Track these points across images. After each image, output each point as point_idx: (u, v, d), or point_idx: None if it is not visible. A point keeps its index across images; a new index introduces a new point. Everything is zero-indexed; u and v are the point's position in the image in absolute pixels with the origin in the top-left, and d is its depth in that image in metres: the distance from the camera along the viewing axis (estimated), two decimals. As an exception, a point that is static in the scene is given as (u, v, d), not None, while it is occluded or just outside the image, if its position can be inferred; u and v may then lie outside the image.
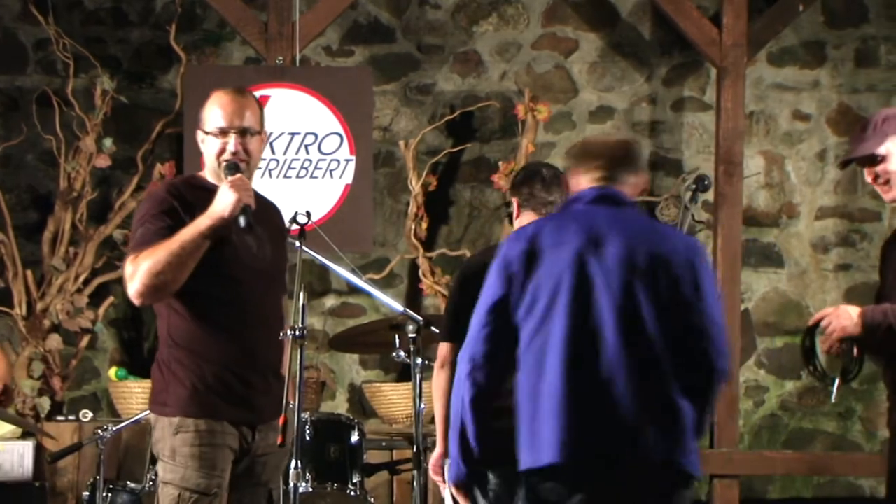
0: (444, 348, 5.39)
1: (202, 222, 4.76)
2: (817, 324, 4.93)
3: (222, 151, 4.91)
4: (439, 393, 5.42)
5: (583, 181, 4.64)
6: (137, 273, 4.77)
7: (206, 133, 4.96)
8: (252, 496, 4.96)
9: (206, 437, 4.81)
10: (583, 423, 4.39)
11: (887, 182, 5.02)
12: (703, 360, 4.48)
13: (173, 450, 4.83)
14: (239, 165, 4.89)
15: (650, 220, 4.79)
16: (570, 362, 4.42)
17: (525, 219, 5.37)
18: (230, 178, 4.82)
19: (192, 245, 4.75)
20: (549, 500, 4.44)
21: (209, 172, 5.01)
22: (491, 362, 4.49)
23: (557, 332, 4.45)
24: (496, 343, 4.50)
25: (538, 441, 4.42)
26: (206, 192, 4.89)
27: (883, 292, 5.06)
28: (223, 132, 4.92)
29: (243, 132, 4.92)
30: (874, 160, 5.02)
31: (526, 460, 4.44)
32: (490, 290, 4.53)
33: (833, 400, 5.08)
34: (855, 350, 4.89)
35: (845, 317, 4.88)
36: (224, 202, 4.76)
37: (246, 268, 4.89)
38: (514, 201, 5.53)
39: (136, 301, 4.85)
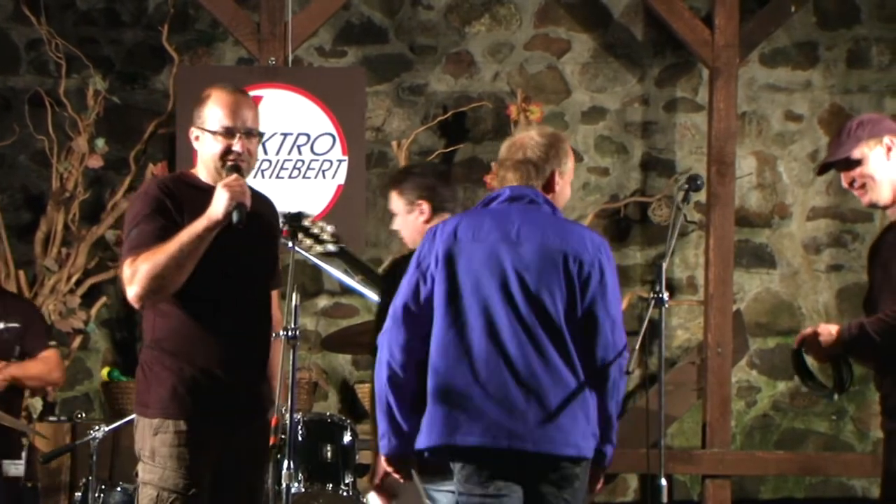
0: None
1: (199, 224, 4.74)
2: (801, 344, 5.01)
3: (226, 151, 4.88)
4: None
5: (508, 179, 5.04)
6: (137, 276, 4.75)
7: (207, 131, 4.91)
8: (234, 493, 4.95)
9: (186, 437, 4.81)
10: (472, 411, 4.81)
11: (863, 186, 5.07)
12: (598, 352, 4.85)
13: (153, 450, 4.84)
14: (241, 167, 4.87)
15: (561, 217, 4.99)
16: (485, 352, 4.83)
17: (438, 220, 5.49)
18: (226, 179, 4.80)
19: (191, 247, 4.73)
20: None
21: (203, 170, 4.97)
22: (404, 349, 4.89)
23: (474, 323, 4.84)
24: (410, 331, 4.90)
25: (433, 422, 4.87)
26: (198, 191, 4.87)
27: (871, 294, 5.08)
28: (229, 132, 4.88)
29: (249, 133, 4.91)
30: (850, 164, 5.07)
31: (420, 440, 4.89)
32: (407, 282, 4.94)
33: (835, 399, 5.16)
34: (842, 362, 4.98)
35: (825, 335, 4.95)
36: (219, 204, 4.74)
37: (231, 267, 4.87)
38: (427, 205, 5.68)
39: (135, 303, 4.83)
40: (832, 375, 5.02)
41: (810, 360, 5.04)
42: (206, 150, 4.93)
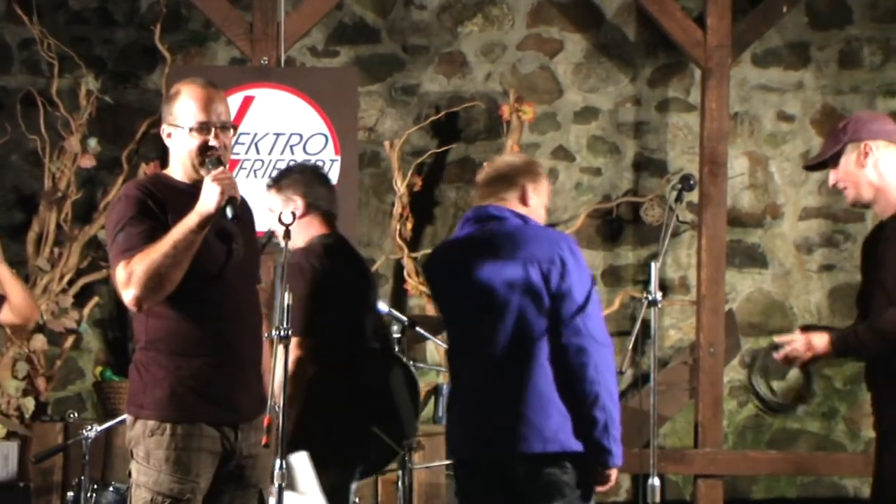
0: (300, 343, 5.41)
1: (191, 219, 4.67)
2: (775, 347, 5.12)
3: (203, 146, 4.81)
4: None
5: (475, 200, 5.35)
6: (133, 278, 4.68)
7: (181, 127, 4.84)
8: (243, 498, 4.93)
9: (182, 441, 4.76)
10: (461, 424, 5.20)
11: (845, 188, 5.12)
12: (571, 340, 5.01)
13: (147, 452, 4.78)
14: (222, 160, 4.80)
15: (527, 227, 5.12)
16: (463, 370, 5.23)
17: (312, 217, 5.85)
18: (214, 172, 4.74)
19: (185, 244, 4.66)
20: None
21: (178, 168, 4.89)
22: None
23: (456, 341, 5.28)
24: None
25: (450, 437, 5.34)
26: (177, 191, 4.83)
27: (864, 291, 5.10)
28: (204, 127, 4.81)
29: (223, 127, 4.85)
30: (832, 165, 5.13)
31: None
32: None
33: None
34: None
35: (819, 343, 5.05)
36: (210, 197, 4.67)
37: (222, 265, 4.83)
38: (301, 201, 5.83)
39: (133, 307, 4.74)
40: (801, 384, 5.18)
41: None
42: (181, 146, 4.86)
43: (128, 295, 4.72)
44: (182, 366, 4.79)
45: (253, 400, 4.90)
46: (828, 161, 5.17)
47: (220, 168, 4.76)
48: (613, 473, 5.06)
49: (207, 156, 4.81)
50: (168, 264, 4.66)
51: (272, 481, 4.94)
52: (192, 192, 4.76)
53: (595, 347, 4.99)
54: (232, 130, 4.91)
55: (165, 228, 4.73)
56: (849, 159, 5.09)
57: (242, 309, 4.91)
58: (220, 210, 4.68)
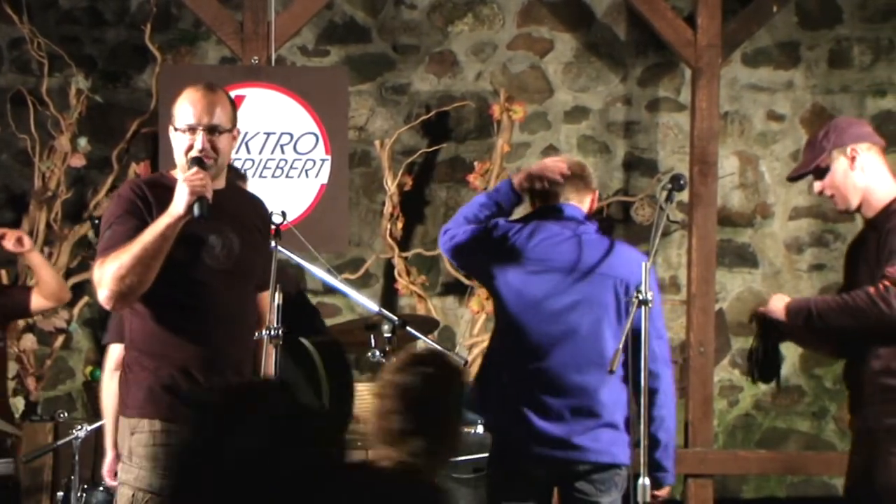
0: (116, 350, 5.36)
1: (162, 221, 4.73)
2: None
3: (190, 148, 4.87)
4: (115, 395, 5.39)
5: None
6: (104, 278, 4.75)
7: (175, 129, 4.92)
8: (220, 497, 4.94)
9: (162, 437, 4.80)
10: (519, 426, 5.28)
11: (832, 196, 5.14)
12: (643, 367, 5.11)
13: (130, 450, 4.85)
14: (204, 161, 4.84)
15: (607, 239, 5.42)
16: (523, 366, 5.33)
17: None
18: (187, 173, 4.79)
19: (154, 245, 4.71)
20: None
21: (177, 163, 4.97)
22: None
23: (516, 334, 5.37)
24: None
25: None
26: (170, 191, 4.85)
27: (845, 289, 5.14)
28: (192, 129, 4.87)
29: (212, 130, 4.88)
30: (818, 174, 5.14)
31: None
32: None
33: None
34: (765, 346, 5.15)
35: (776, 301, 5.13)
36: (180, 198, 4.73)
37: (207, 269, 4.85)
38: None
39: (106, 306, 4.83)
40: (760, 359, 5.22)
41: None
42: (175, 147, 4.94)
43: (100, 294, 4.80)
44: (161, 367, 4.84)
45: None
46: (812, 171, 5.18)
47: (194, 169, 4.80)
48: (666, 491, 5.29)
49: (190, 157, 4.86)
50: (137, 266, 4.71)
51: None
52: None
53: (666, 373, 5.26)
54: (228, 133, 4.94)
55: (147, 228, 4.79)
56: (837, 166, 5.10)
57: (228, 313, 4.91)
58: (190, 210, 4.71)
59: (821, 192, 5.18)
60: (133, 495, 4.81)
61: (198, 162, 4.83)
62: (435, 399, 4.05)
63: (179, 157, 4.91)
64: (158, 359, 4.84)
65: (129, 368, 4.91)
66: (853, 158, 5.08)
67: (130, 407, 4.87)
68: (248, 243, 5.01)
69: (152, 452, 4.80)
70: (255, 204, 5.15)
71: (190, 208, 4.71)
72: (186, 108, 4.89)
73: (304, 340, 5.86)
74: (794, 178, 5.42)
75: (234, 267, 4.94)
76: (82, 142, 8.48)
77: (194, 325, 4.85)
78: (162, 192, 4.86)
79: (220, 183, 4.97)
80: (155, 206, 4.83)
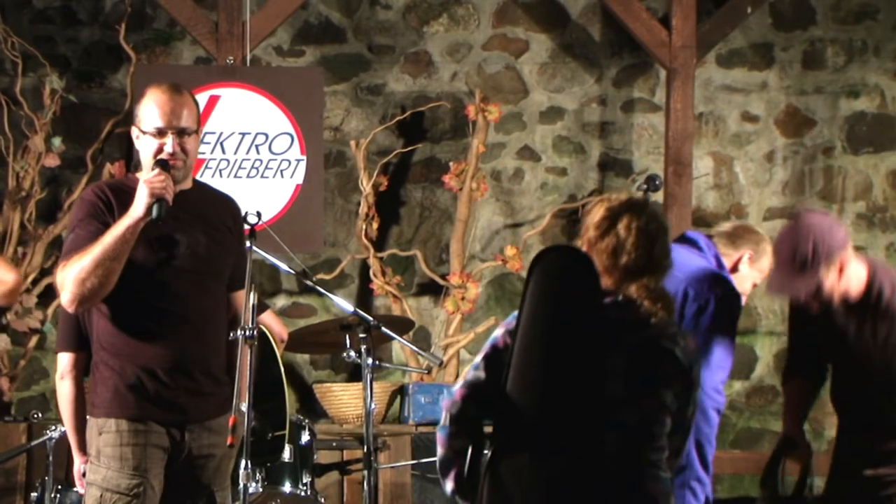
0: (65, 359, 5.34)
1: (122, 224, 4.74)
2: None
3: (160, 151, 4.87)
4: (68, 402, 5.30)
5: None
6: (66, 281, 4.77)
7: (143, 132, 4.91)
8: (194, 498, 4.93)
9: (129, 437, 4.81)
10: None
11: (831, 297, 5.20)
12: None
13: (98, 450, 4.86)
14: (168, 163, 4.84)
15: None
16: None
17: None
18: (148, 175, 4.79)
19: (114, 247, 4.72)
20: None
21: (143, 164, 4.95)
22: None
23: None
24: None
25: None
26: (134, 194, 4.84)
27: (808, 356, 5.31)
28: (160, 132, 4.87)
29: (181, 132, 4.88)
30: (818, 294, 5.19)
31: None
32: None
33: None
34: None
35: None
36: (140, 200, 4.74)
37: (171, 269, 4.85)
38: None
39: (70, 309, 4.83)
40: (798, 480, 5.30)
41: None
42: (143, 149, 4.93)
43: (63, 297, 4.82)
44: (126, 367, 4.85)
45: (205, 402, 4.91)
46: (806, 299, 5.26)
47: (156, 171, 4.80)
48: None
49: (158, 159, 4.86)
50: (97, 269, 4.72)
51: (237, 482, 4.94)
52: None
53: None
54: (195, 134, 4.94)
55: None
56: (829, 280, 5.17)
57: (195, 313, 4.90)
58: (149, 212, 4.72)
59: (818, 305, 5.25)
60: (101, 496, 4.82)
61: (161, 164, 4.83)
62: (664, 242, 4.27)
63: (147, 160, 4.91)
64: (124, 359, 4.85)
65: (97, 368, 4.92)
66: (841, 268, 5.14)
67: (97, 406, 4.88)
68: (217, 243, 5.00)
69: (119, 452, 4.81)
70: (226, 202, 5.14)
71: (149, 209, 4.72)
72: (153, 111, 4.88)
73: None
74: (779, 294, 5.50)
75: (200, 267, 4.93)
76: (56, 142, 8.45)
77: (159, 325, 4.86)
78: (126, 196, 4.86)
79: (188, 183, 4.98)
80: (118, 210, 4.84)
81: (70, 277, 4.76)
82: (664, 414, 4.15)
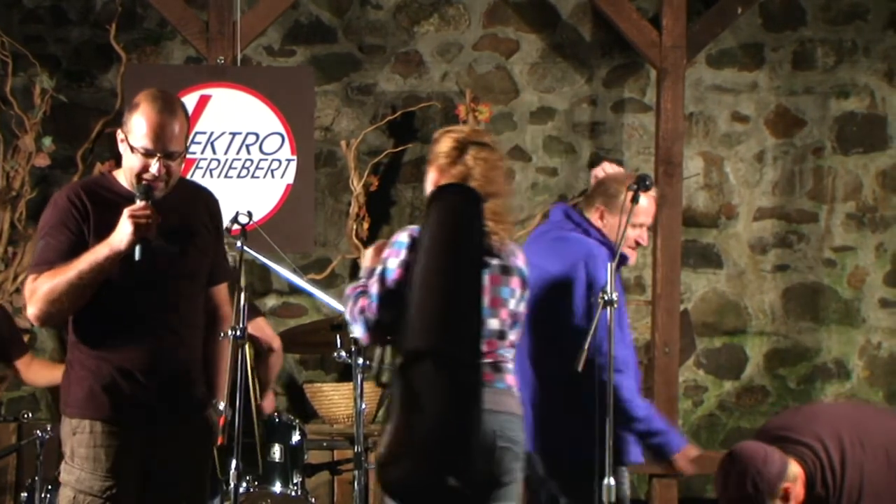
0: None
1: (101, 252, 4.68)
2: None
3: (144, 170, 4.78)
4: None
5: None
6: (35, 297, 4.73)
7: (129, 144, 4.80)
8: (167, 495, 4.91)
9: (102, 438, 4.79)
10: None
11: None
12: None
13: (72, 451, 4.83)
14: (152, 189, 4.77)
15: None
16: None
17: None
18: (133, 206, 4.70)
19: (90, 276, 4.68)
20: None
21: (125, 174, 4.87)
22: None
23: None
24: None
25: None
26: (112, 195, 4.82)
27: None
28: (148, 154, 4.77)
29: (169, 156, 4.79)
30: None
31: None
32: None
33: None
34: None
35: None
36: (122, 235, 4.66)
37: (149, 273, 4.79)
38: None
39: (34, 323, 4.82)
40: None
41: None
42: (126, 160, 4.84)
43: (29, 310, 4.77)
44: (102, 367, 4.82)
45: (185, 401, 4.89)
46: None
47: (141, 204, 4.71)
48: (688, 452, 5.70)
49: (144, 181, 4.79)
50: (70, 292, 4.69)
51: (228, 482, 4.94)
52: (130, 198, 4.76)
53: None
54: (182, 157, 4.87)
55: (84, 241, 4.73)
56: None
57: (172, 316, 4.87)
58: (131, 248, 4.66)
59: None
60: (74, 497, 4.80)
61: (146, 191, 4.75)
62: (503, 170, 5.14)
63: (129, 172, 4.82)
64: (99, 359, 4.82)
65: (71, 366, 4.88)
66: (786, 497, 4.86)
67: (71, 406, 4.86)
68: (193, 245, 4.95)
69: (93, 454, 4.78)
70: (204, 199, 5.06)
71: (130, 247, 4.66)
72: (144, 129, 4.77)
73: None
74: None
75: (177, 271, 4.88)
76: (47, 141, 8.44)
77: (136, 327, 4.82)
78: (101, 197, 4.82)
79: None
80: (92, 213, 4.78)
81: (40, 294, 4.71)
82: (513, 318, 4.99)
